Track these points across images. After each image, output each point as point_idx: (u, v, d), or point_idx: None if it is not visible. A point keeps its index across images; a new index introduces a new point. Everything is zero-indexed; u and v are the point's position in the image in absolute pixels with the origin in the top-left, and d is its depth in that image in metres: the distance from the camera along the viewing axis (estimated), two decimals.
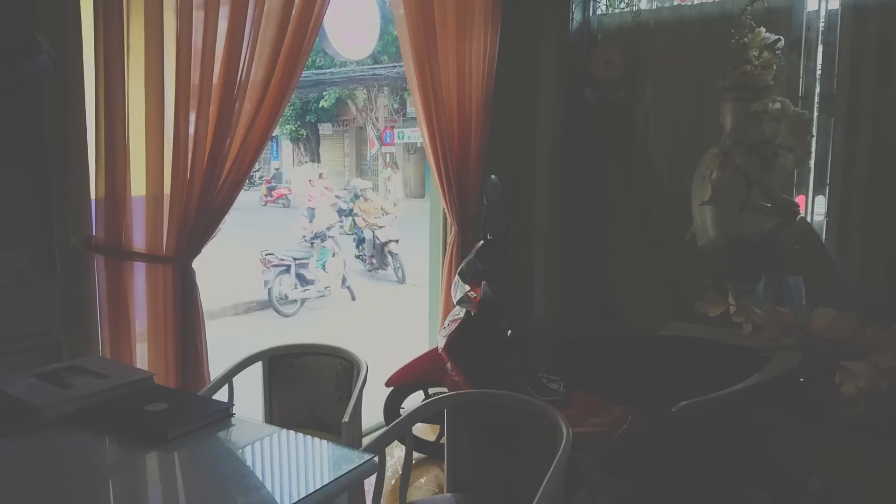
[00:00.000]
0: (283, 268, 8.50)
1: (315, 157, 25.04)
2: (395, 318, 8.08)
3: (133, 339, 2.54)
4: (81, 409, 1.72)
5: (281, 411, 2.59)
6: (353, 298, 9.21)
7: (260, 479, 1.55)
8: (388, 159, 22.11)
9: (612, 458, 2.63)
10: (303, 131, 24.38)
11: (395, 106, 21.36)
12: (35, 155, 2.29)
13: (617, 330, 4.06)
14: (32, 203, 2.31)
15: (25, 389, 1.77)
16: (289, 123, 23.70)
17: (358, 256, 11.14)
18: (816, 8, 3.60)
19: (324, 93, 21.21)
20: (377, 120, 21.93)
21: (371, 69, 18.07)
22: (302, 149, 25.20)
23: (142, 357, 2.57)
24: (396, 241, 10.51)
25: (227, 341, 6.41)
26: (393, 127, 21.46)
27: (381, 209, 10.90)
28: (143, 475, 1.60)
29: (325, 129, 24.80)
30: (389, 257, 10.51)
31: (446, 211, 4.02)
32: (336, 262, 9.11)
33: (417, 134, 4.27)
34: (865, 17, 3.42)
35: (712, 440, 2.51)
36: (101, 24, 2.38)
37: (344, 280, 9.15)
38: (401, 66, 4.05)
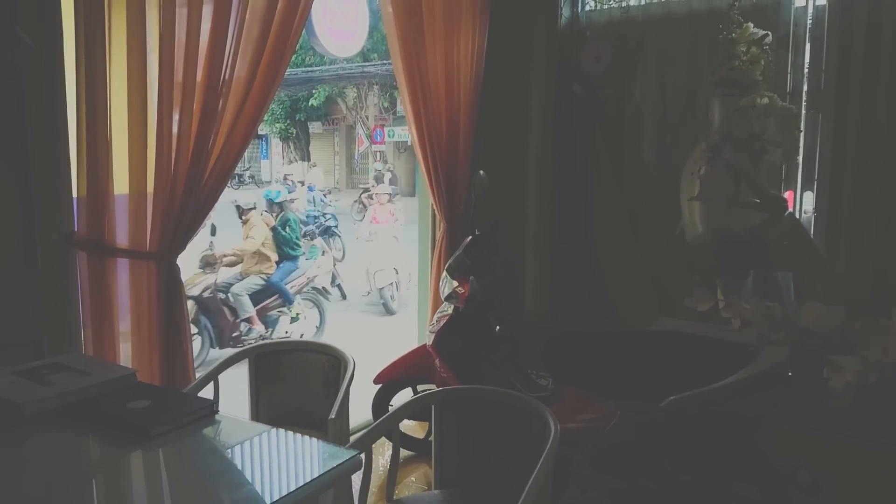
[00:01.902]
0: None
1: (305, 155, 24.98)
2: None
3: (116, 335, 2.51)
4: (63, 407, 1.70)
5: (268, 409, 2.57)
6: (344, 297, 9.17)
7: (244, 475, 1.53)
8: (378, 157, 22.08)
9: (601, 453, 2.63)
10: (292, 130, 24.31)
11: (386, 104, 21.34)
12: (15, 150, 2.26)
13: (606, 325, 4.05)
14: (12, 199, 2.28)
15: (6, 387, 1.74)
16: (278, 122, 23.62)
17: None
18: (804, 4, 3.61)
19: (313, 91, 21.14)
20: (367, 118, 21.89)
21: (360, 67, 18.02)
22: (292, 147, 25.14)
23: (125, 354, 2.54)
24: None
25: None
26: (383, 125, 21.43)
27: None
28: (126, 473, 1.58)
29: (314, 127, 24.75)
30: None
31: (435, 207, 4.01)
32: (326, 261, 9.06)
33: (407, 132, 4.26)
34: (853, 13, 3.42)
35: (702, 435, 2.50)
36: (83, 18, 2.35)
37: (334, 278, 9.10)
38: (390, 64, 4.03)
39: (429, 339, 3.40)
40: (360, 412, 3.25)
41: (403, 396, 3.48)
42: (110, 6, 2.37)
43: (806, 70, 3.61)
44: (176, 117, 2.46)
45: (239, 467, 1.58)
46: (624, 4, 4.14)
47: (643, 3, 4.12)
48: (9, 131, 2.24)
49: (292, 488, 1.39)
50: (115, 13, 2.37)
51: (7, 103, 2.22)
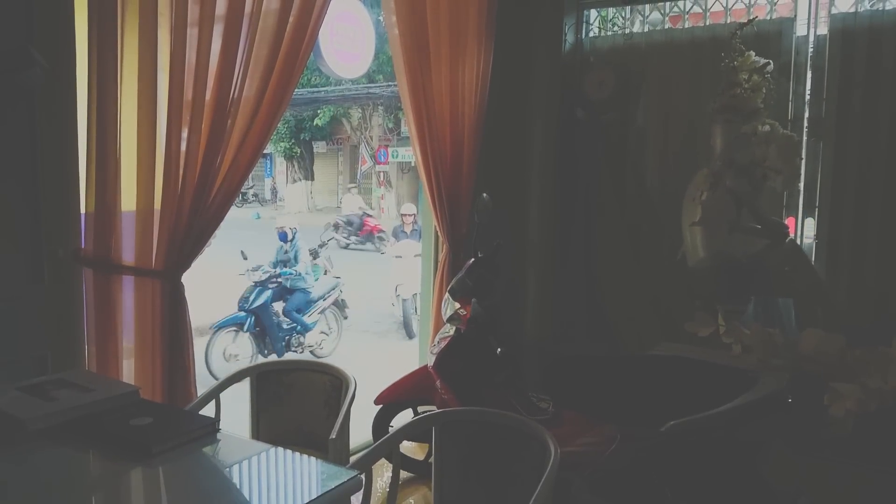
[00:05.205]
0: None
1: (309, 174, 25.09)
2: None
3: (120, 352, 2.52)
4: (66, 423, 1.71)
5: (268, 428, 2.58)
6: (345, 317, 9.16)
7: (245, 494, 1.54)
8: (381, 178, 22.17)
9: (600, 478, 2.62)
10: (297, 149, 24.43)
11: (390, 125, 21.46)
12: (25, 166, 2.29)
13: (607, 349, 4.05)
14: (21, 214, 2.30)
15: (9, 402, 1.75)
16: (283, 141, 23.74)
17: None
18: (805, 33, 3.65)
19: (318, 111, 21.28)
20: (371, 139, 22.01)
21: (366, 88, 18.16)
22: (296, 166, 25.25)
23: (128, 371, 2.55)
24: None
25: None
26: (387, 146, 21.54)
27: None
28: (128, 489, 1.59)
29: (319, 146, 24.87)
30: None
31: (438, 229, 4.03)
32: (328, 280, 9.07)
33: (411, 153, 4.33)
34: (853, 42, 3.46)
35: (701, 461, 2.50)
36: (96, 38, 2.39)
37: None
38: (395, 86, 4.08)
39: (430, 361, 3.40)
40: (359, 432, 3.25)
41: (404, 417, 3.48)
42: (123, 26, 2.41)
43: (807, 98, 3.64)
44: (184, 136, 2.48)
45: (239, 486, 1.59)
46: (627, 31, 4.20)
47: (646, 30, 4.18)
48: (20, 148, 2.27)
49: None
50: (128, 33, 2.41)
51: (19, 121, 2.25)
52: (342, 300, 8.56)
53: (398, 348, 7.80)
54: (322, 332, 7.48)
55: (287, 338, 6.93)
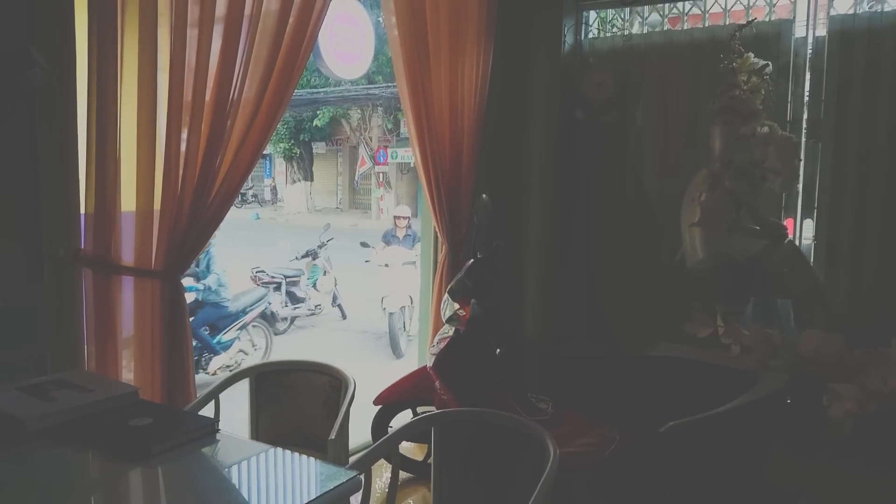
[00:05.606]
0: (274, 285, 8.46)
1: (308, 175, 25.10)
2: None
3: (119, 353, 2.52)
4: (65, 423, 1.71)
5: (268, 428, 2.58)
6: (344, 317, 9.17)
7: (244, 495, 1.54)
8: (381, 178, 22.18)
9: (600, 478, 2.62)
10: (296, 150, 24.43)
11: (389, 126, 21.47)
12: (26, 167, 2.29)
13: (606, 349, 4.06)
14: (21, 214, 2.30)
15: (9, 402, 1.75)
16: (282, 142, 23.74)
17: None
18: (804, 34, 3.66)
19: (318, 112, 21.29)
20: (371, 139, 22.02)
21: (365, 89, 18.19)
22: (295, 167, 25.26)
23: (128, 371, 2.55)
24: None
25: None
26: (386, 146, 21.56)
27: None
28: (127, 490, 1.59)
29: (318, 147, 24.88)
30: None
31: (437, 230, 4.04)
32: (327, 281, 9.07)
33: (410, 154, 4.34)
34: (852, 43, 3.47)
35: (701, 461, 2.50)
36: (96, 39, 2.39)
37: (335, 298, 9.12)
38: (395, 87, 4.09)
39: (429, 361, 3.41)
40: (359, 433, 3.25)
41: (403, 418, 3.48)
42: (123, 26, 2.41)
43: (806, 99, 3.65)
44: (184, 136, 2.49)
45: (239, 487, 1.59)
46: (626, 33, 4.20)
47: (645, 31, 4.19)
48: (20, 149, 2.28)
49: None
50: (128, 33, 2.41)
51: (20, 122, 2.25)
52: (272, 312, 7.65)
53: (382, 368, 6.77)
54: (241, 351, 6.46)
55: (195, 357, 5.66)
